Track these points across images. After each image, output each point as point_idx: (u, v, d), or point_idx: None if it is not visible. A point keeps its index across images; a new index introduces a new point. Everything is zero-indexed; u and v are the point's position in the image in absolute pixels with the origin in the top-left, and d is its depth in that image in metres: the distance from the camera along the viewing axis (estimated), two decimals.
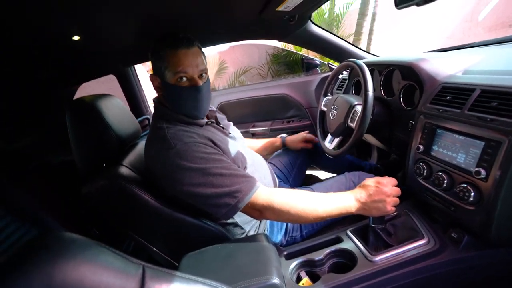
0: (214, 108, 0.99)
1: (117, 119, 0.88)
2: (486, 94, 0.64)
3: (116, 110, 0.91)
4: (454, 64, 0.85)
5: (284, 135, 1.28)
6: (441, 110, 0.73)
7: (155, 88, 0.84)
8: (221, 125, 0.92)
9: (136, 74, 1.52)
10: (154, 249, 0.85)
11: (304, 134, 1.26)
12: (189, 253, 0.77)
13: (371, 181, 0.75)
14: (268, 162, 1.21)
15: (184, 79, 0.77)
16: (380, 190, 0.72)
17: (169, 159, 0.72)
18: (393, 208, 0.73)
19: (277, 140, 1.29)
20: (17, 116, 1.23)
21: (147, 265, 0.49)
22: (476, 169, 0.60)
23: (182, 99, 0.80)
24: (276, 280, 0.63)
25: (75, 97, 1.39)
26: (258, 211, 0.74)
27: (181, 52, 0.76)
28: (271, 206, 0.71)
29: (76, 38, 0.84)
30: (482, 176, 0.60)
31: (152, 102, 0.90)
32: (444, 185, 0.69)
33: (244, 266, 0.67)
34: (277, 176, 1.13)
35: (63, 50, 0.92)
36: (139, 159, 0.90)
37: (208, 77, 0.83)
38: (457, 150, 0.68)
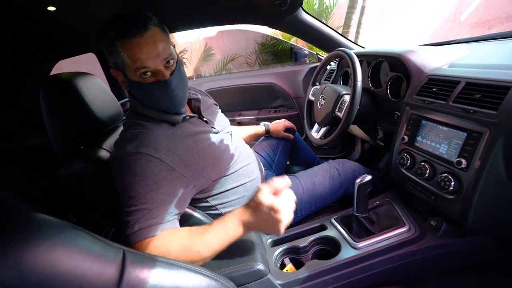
0: (197, 95, 0.85)
1: (97, 100, 0.83)
2: (470, 87, 0.66)
3: (96, 90, 0.86)
4: (441, 57, 0.86)
5: (266, 122, 1.28)
6: (427, 102, 0.75)
7: (121, 83, 0.73)
8: (205, 119, 0.82)
9: None
10: None
11: (284, 122, 1.27)
12: None
13: (265, 206, 0.59)
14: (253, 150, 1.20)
15: (148, 73, 0.65)
16: (271, 215, 0.59)
17: (113, 161, 0.68)
18: (281, 232, 0.61)
19: (261, 127, 1.28)
20: None
21: (128, 250, 0.47)
22: (458, 159, 0.62)
23: (152, 96, 0.69)
24: (260, 266, 0.63)
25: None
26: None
27: (133, 43, 0.62)
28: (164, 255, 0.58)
29: (51, 8, 0.77)
30: (463, 166, 0.61)
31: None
32: (426, 175, 0.71)
33: (228, 252, 0.66)
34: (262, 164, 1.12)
35: (37, 22, 0.84)
36: None
37: (178, 62, 0.71)
38: (440, 141, 0.69)
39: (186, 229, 0.64)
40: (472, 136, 0.61)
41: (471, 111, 0.62)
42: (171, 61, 0.68)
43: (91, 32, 0.97)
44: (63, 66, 1.34)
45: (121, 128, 0.92)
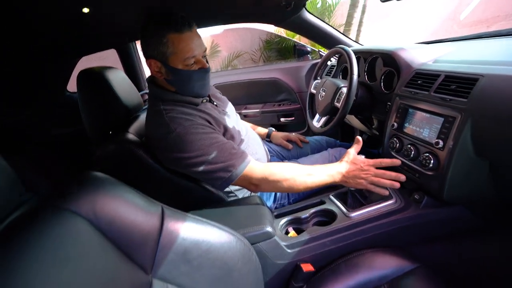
0: None
1: (124, 90, 0.95)
2: (448, 79, 0.77)
3: (122, 82, 0.98)
4: (428, 54, 0.97)
5: (272, 128, 1.35)
6: (413, 93, 0.86)
7: (154, 72, 0.83)
8: (215, 103, 0.96)
9: (137, 49, 1.56)
10: None
11: (287, 133, 1.32)
12: (191, 211, 0.87)
13: (358, 160, 0.82)
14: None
15: (193, 62, 0.79)
16: (362, 169, 0.80)
17: (169, 143, 0.79)
18: (370, 186, 0.80)
19: (263, 129, 1.35)
20: (17, 90, 1.26)
21: (165, 206, 0.60)
22: (436, 140, 0.74)
23: (192, 82, 0.82)
24: (269, 229, 0.74)
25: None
26: (254, 185, 0.83)
27: (186, 36, 0.76)
28: (266, 179, 0.80)
29: (85, 10, 0.88)
30: (440, 146, 0.73)
31: (146, 82, 0.93)
32: (411, 155, 0.82)
33: (241, 219, 0.78)
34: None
35: (69, 22, 0.96)
36: (143, 128, 0.98)
37: None
38: (423, 125, 0.81)
39: (288, 164, 0.87)
40: (448, 120, 0.72)
41: (448, 99, 0.73)
42: (206, 52, 0.84)
43: (116, 30, 1.09)
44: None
45: (141, 117, 1.04)
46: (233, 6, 1.14)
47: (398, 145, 0.89)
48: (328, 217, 0.89)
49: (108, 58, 1.57)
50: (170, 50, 0.77)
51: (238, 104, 2.11)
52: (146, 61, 0.83)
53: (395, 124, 0.91)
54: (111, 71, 0.94)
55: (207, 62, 0.85)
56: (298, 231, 0.88)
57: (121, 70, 1.36)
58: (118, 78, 0.96)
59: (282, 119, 1.97)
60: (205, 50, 0.83)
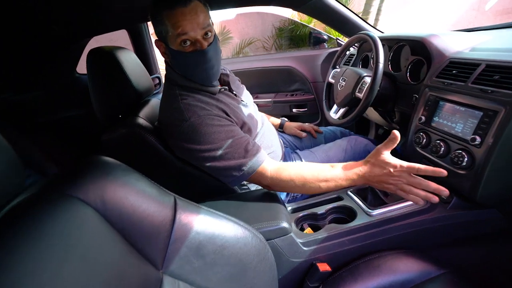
0: (226, 71, 0.96)
1: (135, 72, 0.90)
2: (490, 69, 0.69)
3: (133, 63, 0.93)
4: (462, 42, 0.89)
5: (285, 119, 1.30)
6: (446, 83, 0.79)
7: (162, 54, 0.80)
8: (234, 92, 0.90)
9: (149, 31, 1.50)
10: None
11: (301, 123, 1.26)
12: (203, 202, 0.84)
13: (392, 165, 0.66)
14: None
15: (188, 42, 0.72)
16: (389, 174, 0.66)
17: (183, 132, 0.74)
18: (401, 192, 0.68)
19: (276, 120, 1.31)
20: (27, 68, 1.22)
21: (177, 197, 0.56)
22: (472, 136, 0.67)
23: (189, 65, 0.76)
24: (285, 224, 0.70)
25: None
26: (265, 185, 0.79)
27: (178, 12, 0.69)
28: (278, 181, 0.75)
29: None
30: (477, 142, 0.66)
31: (164, 63, 0.88)
32: (441, 152, 0.76)
33: (256, 212, 0.74)
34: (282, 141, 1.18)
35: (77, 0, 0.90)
36: (153, 114, 0.93)
37: (215, 36, 0.77)
38: (456, 120, 0.74)
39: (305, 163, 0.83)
40: (488, 115, 0.65)
41: (489, 91, 0.66)
42: (209, 33, 0.75)
43: (126, 9, 1.03)
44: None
45: (152, 101, 0.99)
46: None
47: (425, 140, 0.82)
48: (346, 214, 0.84)
49: (118, 41, 1.52)
50: (165, 29, 0.72)
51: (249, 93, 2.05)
52: (155, 42, 0.79)
53: (423, 117, 0.84)
54: (122, 52, 0.89)
55: (212, 43, 0.75)
56: (314, 228, 0.84)
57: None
58: (130, 59, 0.91)
59: (294, 110, 1.90)
60: (207, 29, 0.73)
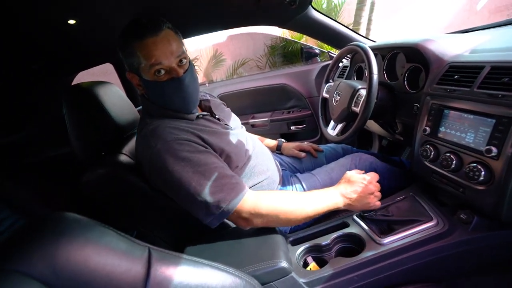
0: (206, 96, 0.90)
1: (115, 106, 0.86)
2: (496, 71, 0.62)
3: (114, 97, 0.89)
4: (461, 44, 0.83)
5: (282, 140, 1.23)
6: (448, 90, 0.72)
7: (136, 86, 0.76)
8: (217, 117, 0.84)
9: None
10: (157, 238, 0.83)
11: (299, 143, 1.19)
12: (193, 240, 0.76)
13: (357, 177, 0.76)
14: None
15: (162, 71, 0.69)
16: (366, 187, 0.73)
17: (151, 161, 0.67)
18: (378, 203, 0.76)
19: (272, 141, 1.23)
20: (12, 109, 1.20)
21: (152, 248, 0.48)
22: (487, 147, 0.59)
23: (166, 95, 0.72)
24: (284, 264, 0.62)
25: None
26: (245, 220, 0.67)
27: (149, 41, 0.66)
28: (258, 212, 0.66)
29: (71, 22, 0.81)
30: (493, 154, 0.58)
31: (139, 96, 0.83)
32: (453, 166, 0.67)
33: (251, 251, 0.66)
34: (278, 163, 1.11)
35: (58, 36, 0.89)
36: None
37: (190, 62, 0.74)
38: (466, 129, 0.66)
39: (282, 192, 0.80)
40: (502, 122, 0.58)
41: (499, 95, 0.59)
42: (184, 60, 0.72)
43: (108, 42, 1.01)
44: (80, 79, 1.40)
45: None
46: (232, 9, 1.04)
47: (433, 153, 0.74)
48: (354, 243, 0.74)
49: (113, 72, 1.51)
50: (137, 60, 0.68)
51: (245, 114, 2.01)
52: (127, 75, 0.74)
53: (427, 128, 0.77)
54: (102, 86, 0.86)
55: (188, 70, 0.72)
56: (319, 261, 0.74)
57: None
58: (110, 93, 0.87)
59: (292, 127, 1.84)
60: (181, 56, 0.70)
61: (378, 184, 0.76)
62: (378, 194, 0.76)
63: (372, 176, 0.77)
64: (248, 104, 2.01)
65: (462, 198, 0.69)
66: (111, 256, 0.41)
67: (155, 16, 0.78)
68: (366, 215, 0.78)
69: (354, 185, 0.74)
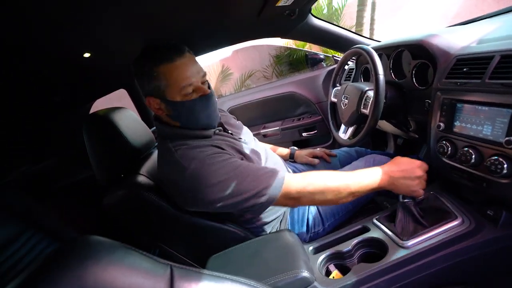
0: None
1: (131, 130, 0.90)
2: (506, 59, 0.61)
3: (129, 121, 0.93)
4: (466, 35, 0.81)
5: (295, 148, 1.23)
6: (459, 83, 0.70)
7: (155, 110, 0.77)
8: (230, 132, 0.87)
9: None
10: (179, 255, 0.85)
11: (311, 150, 1.19)
12: (215, 255, 0.76)
13: (405, 159, 0.74)
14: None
15: (191, 91, 0.72)
16: (413, 168, 0.71)
17: (187, 183, 0.69)
18: (422, 191, 0.72)
19: (284, 150, 1.23)
20: (39, 138, 1.29)
21: (174, 265, 0.49)
22: (507, 138, 0.57)
23: (195, 112, 0.74)
24: (306, 274, 0.61)
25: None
26: (293, 199, 0.71)
27: (177, 64, 0.69)
28: (305, 191, 0.70)
29: (87, 55, 0.87)
30: None
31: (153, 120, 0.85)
32: (472, 160, 0.65)
33: (271, 262, 0.66)
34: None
35: (76, 69, 0.95)
36: (155, 167, 0.91)
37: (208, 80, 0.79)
38: (482, 122, 0.64)
39: (325, 171, 0.76)
40: None
41: None
42: (205, 77, 0.76)
43: (121, 70, 1.07)
44: (98, 105, 1.48)
45: (154, 154, 0.97)
46: (233, 25, 1.08)
47: (450, 149, 0.72)
48: (377, 248, 0.72)
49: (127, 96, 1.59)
50: (164, 83, 0.70)
51: (256, 125, 2.03)
52: (145, 100, 0.76)
53: (441, 124, 0.75)
54: (117, 112, 0.90)
55: (209, 87, 0.77)
56: (342, 269, 0.73)
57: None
58: (125, 118, 0.92)
59: (304, 134, 1.84)
60: (204, 75, 0.75)
61: (425, 172, 0.73)
62: (424, 182, 0.72)
63: (422, 163, 0.73)
64: (258, 115, 2.03)
65: (486, 193, 0.66)
66: (135, 275, 0.43)
67: (163, 40, 0.82)
68: (406, 201, 0.74)
69: (402, 165, 0.72)
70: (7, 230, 1.06)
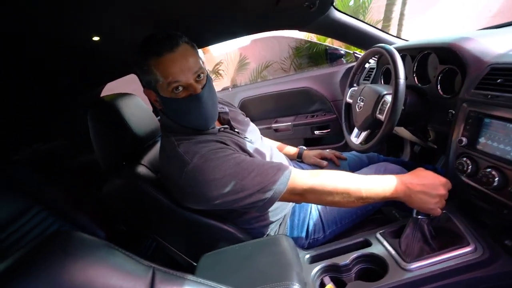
0: (226, 109, 0.87)
1: (136, 118, 0.89)
2: None
3: (136, 108, 0.92)
4: (505, 41, 0.72)
5: (303, 147, 1.18)
6: (489, 96, 0.63)
7: (154, 102, 0.75)
8: (236, 130, 0.83)
9: None
10: (173, 248, 0.84)
11: (320, 151, 1.14)
12: (208, 253, 0.75)
13: (429, 173, 0.67)
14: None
15: (180, 88, 0.67)
16: (436, 185, 0.64)
17: (188, 178, 0.66)
18: (440, 211, 0.65)
19: (293, 149, 1.18)
20: (50, 118, 1.31)
21: (157, 268, 0.47)
22: None
23: (184, 112, 0.70)
24: (296, 286, 0.58)
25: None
26: (299, 195, 0.69)
27: (166, 59, 0.65)
28: (312, 188, 0.67)
29: (96, 38, 0.85)
30: None
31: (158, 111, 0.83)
32: (495, 183, 0.58)
33: (263, 269, 0.64)
34: None
35: (85, 53, 0.94)
36: (157, 158, 0.90)
37: (208, 77, 0.72)
38: (511, 142, 0.57)
39: (337, 171, 0.71)
40: None
41: None
42: (202, 75, 0.70)
43: (130, 55, 1.06)
44: (113, 88, 1.49)
45: (159, 143, 0.96)
46: (249, 15, 1.02)
47: (470, 167, 0.65)
48: (377, 265, 0.68)
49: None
50: (154, 77, 0.67)
51: (268, 118, 1.98)
52: (144, 91, 0.74)
53: (464, 139, 0.68)
54: (123, 98, 0.89)
55: (205, 86, 0.70)
56: (337, 282, 0.69)
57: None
58: (131, 105, 0.91)
59: (316, 132, 1.78)
60: (200, 72, 0.69)
61: (447, 192, 0.65)
62: (444, 202, 0.65)
63: (447, 181, 0.66)
64: (271, 108, 1.98)
65: (506, 220, 0.59)
66: (115, 276, 0.41)
67: (174, 27, 0.78)
68: (420, 217, 0.67)
69: (424, 179, 0.65)
70: (16, 205, 1.10)
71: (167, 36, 0.67)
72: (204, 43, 1.32)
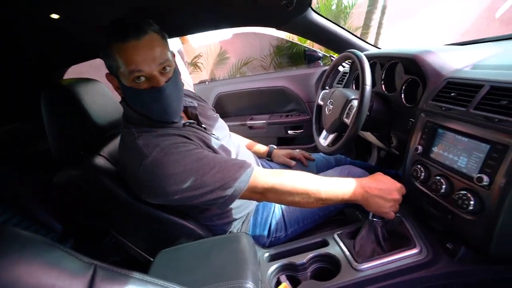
0: (194, 104, 0.83)
1: (97, 105, 0.83)
2: (496, 92, 0.57)
3: (98, 95, 0.86)
4: (463, 58, 0.77)
5: (273, 146, 1.18)
6: (444, 108, 0.66)
7: (116, 89, 0.71)
8: (203, 126, 0.81)
9: None
10: (130, 245, 0.81)
11: (290, 151, 1.15)
12: (165, 249, 0.73)
13: (387, 178, 0.70)
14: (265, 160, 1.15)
15: (142, 78, 0.64)
16: (391, 190, 0.67)
17: (147, 170, 0.63)
18: (393, 214, 0.69)
19: (263, 147, 1.18)
20: (7, 99, 1.20)
21: (100, 265, 0.45)
22: (479, 175, 0.54)
23: (144, 103, 0.67)
24: (249, 285, 0.58)
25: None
26: (259, 194, 0.68)
27: (129, 45, 0.61)
28: (273, 187, 0.66)
29: (54, 16, 0.78)
30: (485, 183, 0.53)
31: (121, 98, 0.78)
32: (442, 190, 0.62)
33: (218, 267, 0.63)
34: None
35: (41, 31, 0.86)
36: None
37: (175, 71, 0.69)
38: (459, 153, 0.61)
39: (299, 171, 0.71)
40: (497, 149, 0.52)
41: (496, 119, 0.53)
42: (168, 68, 0.67)
43: (96, 38, 0.99)
44: (83, 71, 1.38)
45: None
46: (227, 9, 1.00)
47: (423, 174, 0.69)
48: (331, 264, 0.70)
49: None
50: (116, 64, 0.64)
51: (243, 115, 1.97)
52: (106, 76, 0.70)
53: (420, 147, 0.71)
54: (84, 84, 0.84)
55: (171, 79, 0.67)
56: (293, 280, 0.71)
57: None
58: (93, 91, 0.85)
59: (290, 132, 1.80)
60: (165, 65, 0.66)
61: (401, 196, 0.70)
62: (397, 206, 0.69)
63: (402, 186, 0.70)
64: (247, 105, 1.97)
65: (450, 225, 0.64)
66: (49, 274, 0.38)
67: (146, 14, 0.73)
68: (375, 220, 0.71)
69: (381, 183, 0.68)
70: None
71: (135, 22, 0.63)
72: (181, 33, 1.27)
